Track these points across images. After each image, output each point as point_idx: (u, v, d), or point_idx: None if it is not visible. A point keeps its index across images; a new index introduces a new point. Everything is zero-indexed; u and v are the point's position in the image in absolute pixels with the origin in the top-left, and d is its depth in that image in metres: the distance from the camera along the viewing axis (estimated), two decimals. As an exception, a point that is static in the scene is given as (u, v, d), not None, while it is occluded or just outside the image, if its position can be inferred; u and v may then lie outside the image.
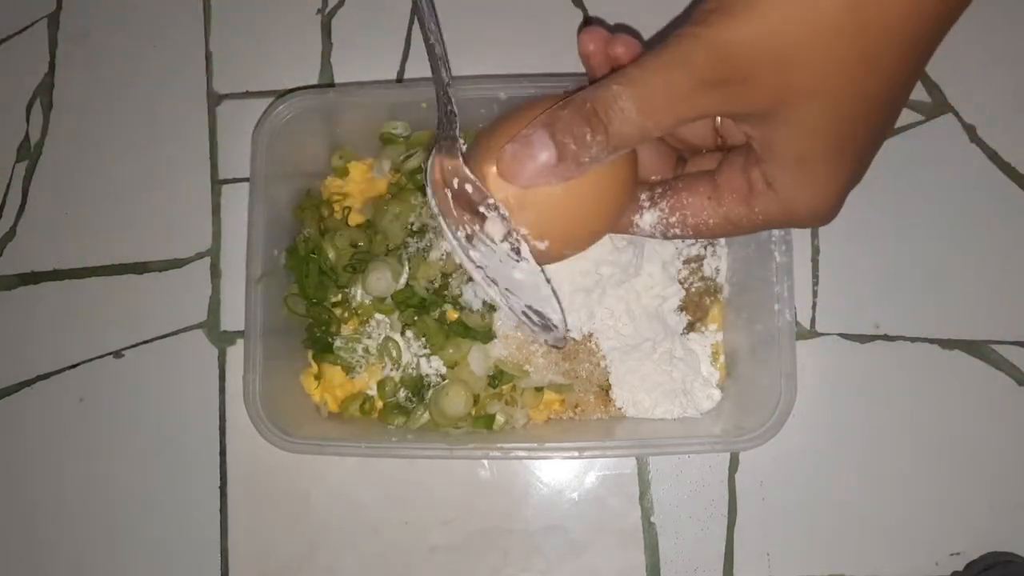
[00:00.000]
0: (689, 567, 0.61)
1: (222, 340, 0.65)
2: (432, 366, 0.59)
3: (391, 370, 0.59)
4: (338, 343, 0.60)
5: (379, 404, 0.60)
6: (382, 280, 0.58)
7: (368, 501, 0.63)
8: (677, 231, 0.41)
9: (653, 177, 0.43)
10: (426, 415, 0.58)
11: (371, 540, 0.62)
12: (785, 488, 0.61)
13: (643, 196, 0.42)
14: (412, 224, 0.59)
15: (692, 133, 0.42)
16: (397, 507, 0.62)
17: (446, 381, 0.58)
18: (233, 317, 0.65)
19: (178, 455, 0.64)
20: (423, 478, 0.63)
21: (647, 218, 0.42)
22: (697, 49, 0.33)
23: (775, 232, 0.54)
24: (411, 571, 0.62)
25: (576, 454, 0.55)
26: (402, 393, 0.59)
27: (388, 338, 0.59)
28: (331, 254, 0.59)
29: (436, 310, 0.58)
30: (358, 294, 0.60)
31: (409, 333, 0.59)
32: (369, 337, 0.59)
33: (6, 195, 0.68)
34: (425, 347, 0.58)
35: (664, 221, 0.41)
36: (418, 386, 0.59)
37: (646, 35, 0.67)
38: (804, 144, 0.34)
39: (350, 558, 0.62)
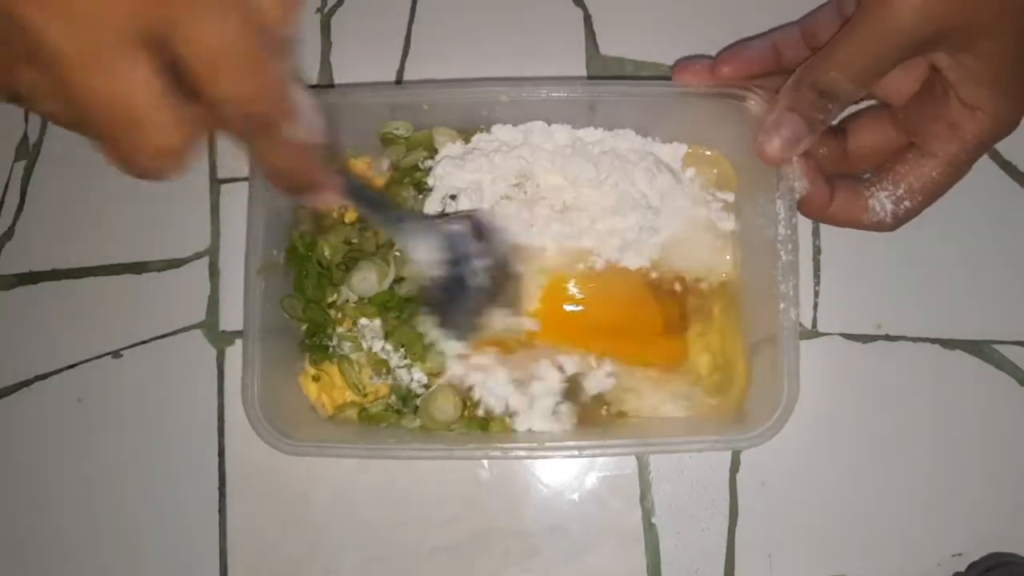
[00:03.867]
0: (690, 568, 0.61)
1: (221, 340, 0.65)
2: (414, 376, 0.58)
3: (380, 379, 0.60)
4: (342, 351, 0.60)
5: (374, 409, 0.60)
6: (366, 280, 0.58)
7: (367, 502, 0.63)
8: (908, 202, 0.51)
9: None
10: (417, 421, 0.58)
11: (370, 541, 0.62)
12: (787, 488, 0.61)
13: (863, 191, 0.53)
14: None
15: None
16: (396, 508, 0.62)
17: (432, 388, 0.58)
18: (232, 317, 0.65)
19: (176, 456, 0.64)
20: (422, 479, 0.62)
21: (880, 204, 0.52)
22: (892, 22, 0.43)
23: (780, 231, 0.54)
24: (411, 573, 0.62)
25: (576, 453, 0.55)
26: (393, 398, 0.59)
27: (373, 351, 0.59)
28: (327, 251, 0.59)
29: (416, 317, 0.58)
30: (349, 296, 0.59)
31: (391, 342, 0.59)
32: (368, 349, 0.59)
33: (4, 194, 0.68)
34: (405, 357, 0.58)
35: (894, 196, 0.51)
36: (406, 396, 0.59)
37: (646, 37, 0.67)
38: (999, 66, 0.44)
39: (349, 559, 0.62)
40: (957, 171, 0.49)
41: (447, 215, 0.57)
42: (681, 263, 0.59)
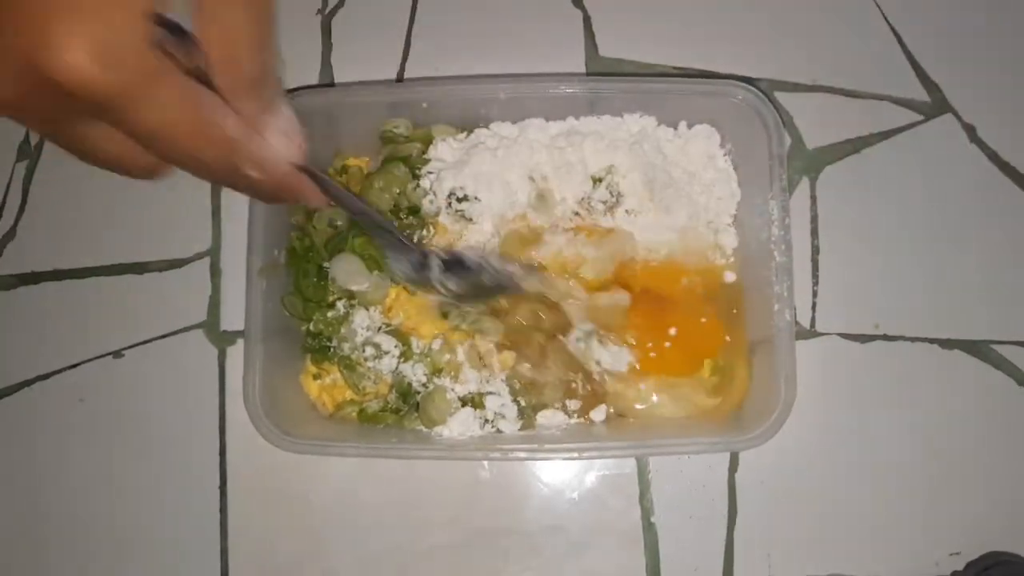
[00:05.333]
0: (689, 567, 0.61)
1: (222, 340, 0.65)
2: (415, 373, 0.59)
3: (377, 381, 0.60)
4: (342, 352, 0.60)
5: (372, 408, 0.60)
6: (346, 272, 0.58)
7: (368, 501, 0.63)
8: None
9: None
10: (418, 420, 0.59)
11: (371, 540, 0.62)
12: (785, 488, 0.61)
13: None
14: (400, 199, 0.60)
15: None
16: (397, 507, 0.62)
17: (431, 388, 0.58)
18: (233, 317, 0.65)
19: (178, 455, 0.64)
20: (423, 478, 0.63)
21: None
22: None
23: (775, 231, 0.54)
24: (411, 571, 0.62)
25: (576, 455, 0.55)
26: (393, 395, 0.59)
27: (372, 342, 0.59)
28: (315, 237, 0.60)
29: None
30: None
31: (391, 339, 0.59)
32: (377, 356, 0.60)
33: (6, 195, 0.68)
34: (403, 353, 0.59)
35: None
36: (406, 392, 0.59)
37: (645, 38, 0.67)
38: None
39: (350, 558, 0.62)
40: None
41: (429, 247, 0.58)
42: (689, 260, 0.60)
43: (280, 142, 0.33)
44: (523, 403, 0.58)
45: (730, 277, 0.60)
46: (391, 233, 0.53)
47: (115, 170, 0.31)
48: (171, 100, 0.27)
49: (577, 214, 0.60)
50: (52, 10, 0.24)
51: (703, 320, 0.59)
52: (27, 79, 0.24)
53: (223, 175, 0.32)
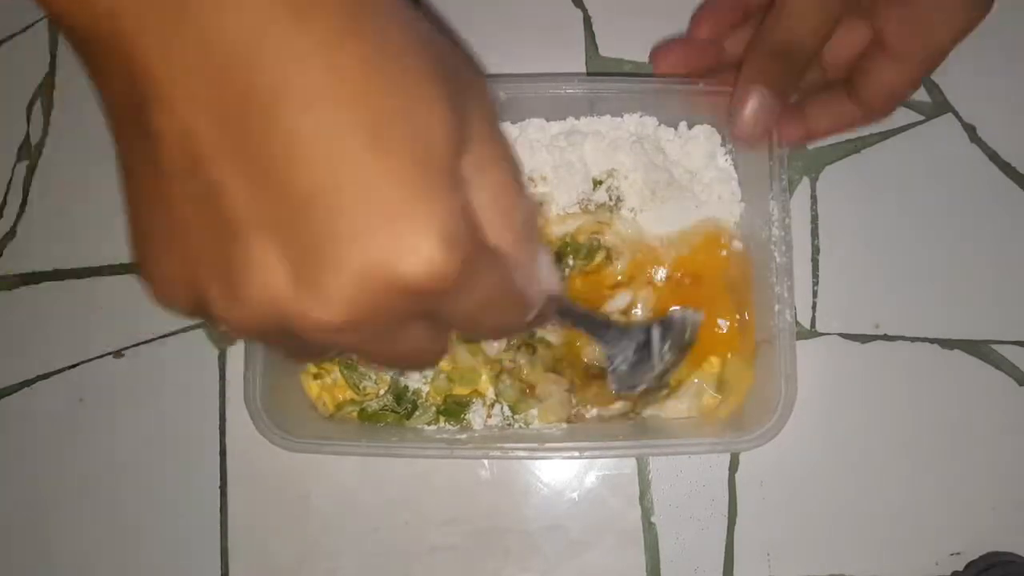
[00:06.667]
0: (689, 567, 0.61)
1: (222, 340, 0.65)
2: (411, 376, 0.59)
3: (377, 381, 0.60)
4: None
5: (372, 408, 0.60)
6: None
7: (368, 501, 0.63)
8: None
9: None
10: (419, 420, 0.59)
11: (371, 540, 0.62)
12: (785, 488, 0.61)
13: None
14: None
15: None
16: (397, 507, 0.62)
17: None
18: (233, 317, 0.65)
19: (178, 455, 0.64)
20: (423, 478, 0.63)
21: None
22: None
23: (775, 232, 0.54)
24: (411, 571, 0.62)
25: (576, 454, 0.55)
26: (388, 397, 0.60)
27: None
28: None
29: None
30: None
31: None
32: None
33: (6, 195, 0.68)
34: None
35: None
36: (401, 394, 0.59)
37: (645, 38, 0.67)
38: None
39: (350, 558, 0.62)
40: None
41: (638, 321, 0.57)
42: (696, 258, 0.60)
43: (546, 271, 0.32)
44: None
45: (738, 246, 0.60)
46: (608, 326, 0.53)
47: (398, 366, 0.30)
48: (494, 281, 0.26)
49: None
50: (397, 210, 0.22)
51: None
52: (368, 295, 0.23)
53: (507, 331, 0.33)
